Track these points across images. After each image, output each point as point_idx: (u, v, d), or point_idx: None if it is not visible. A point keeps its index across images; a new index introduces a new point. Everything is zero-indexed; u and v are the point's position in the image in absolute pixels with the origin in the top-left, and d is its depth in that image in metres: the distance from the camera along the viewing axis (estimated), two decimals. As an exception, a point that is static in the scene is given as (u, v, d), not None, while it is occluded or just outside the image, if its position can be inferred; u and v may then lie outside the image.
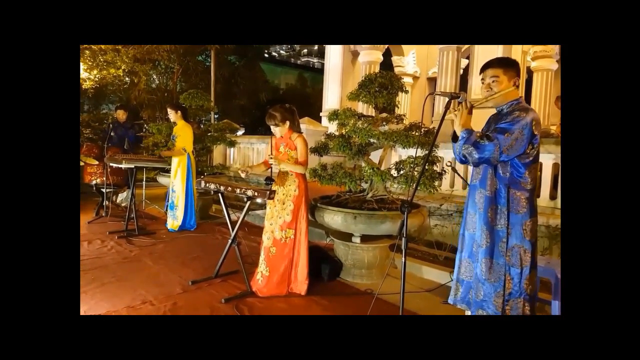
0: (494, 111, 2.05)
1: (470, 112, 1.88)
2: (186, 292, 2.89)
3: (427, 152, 3.12)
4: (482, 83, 1.97)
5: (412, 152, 3.23)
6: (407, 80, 10.51)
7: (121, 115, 5.74)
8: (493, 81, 1.91)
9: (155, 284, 3.03)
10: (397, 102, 3.26)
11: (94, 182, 5.22)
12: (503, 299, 1.88)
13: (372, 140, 3.13)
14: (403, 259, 1.78)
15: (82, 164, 5.29)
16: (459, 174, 3.40)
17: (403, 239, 1.76)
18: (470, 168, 2.10)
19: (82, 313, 2.46)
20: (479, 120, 2.08)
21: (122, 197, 6.03)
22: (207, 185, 3.07)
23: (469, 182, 2.13)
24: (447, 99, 1.90)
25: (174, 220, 4.72)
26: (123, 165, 4.33)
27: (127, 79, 11.77)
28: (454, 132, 1.90)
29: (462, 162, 1.95)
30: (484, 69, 1.96)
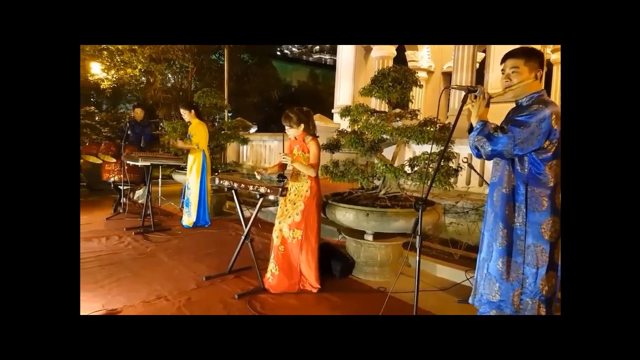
0: (513, 106, 1.97)
1: (487, 105, 1.82)
2: (200, 288, 2.90)
3: (442, 148, 3.05)
4: (502, 73, 1.89)
5: (426, 148, 3.16)
6: (421, 75, 10.34)
7: (138, 113, 5.81)
8: (513, 72, 1.83)
9: (170, 279, 3.05)
10: (411, 97, 3.19)
11: (112, 179, 5.31)
12: (521, 299, 1.81)
13: (385, 136, 3.08)
14: (417, 257, 1.73)
15: (100, 161, 5.40)
16: (475, 171, 3.31)
17: (418, 237, 1.71)
18: (488, 165, 2.04)
19: (99, 307, 2.50)
20: (499, 116, 2.00)
21: (139, 194, 6.12)
22: (221, 182, 3.08)
23: (486, 178, 2.07)
24: (463, 93, 1.84)
25: (189, 216, 4.77)
26: (139, 163, 4.38)
27: (143, 78, 11.95)
28: (470, 124, 1.84)
29: (477, 155, 1.89)
30: (505, 58, 1.88)
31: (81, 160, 7.37)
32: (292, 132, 2.89)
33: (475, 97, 1.83)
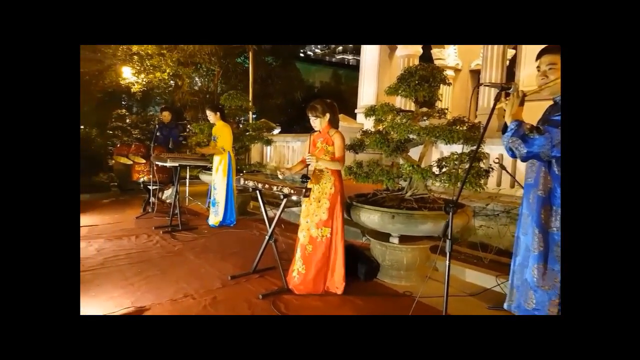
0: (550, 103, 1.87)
1: (522, 103, 1.74)
2: (225, 287, 2.92)
3: (471, 148, 2.95)
4: (538, 70, 1.80)
5: (455, 148, 3.06)
6: (448, 73, 10.09)
7: (166, 116, 5.96)
8: (550, 68, 1.74)
9: (197, 277, 3.09)
10: (439, 96, 3.10)
11: (142, 179, 5.47)
12: (559, 308, 1.71)
13: (411, 136, 3.00)
14: (447, 261, 1.67)
15: (130, 162, 5.57)
16: (507, 171, 3.18)
17: (448, 240, 1.64)
18: (520, 165, 1.95)
19: (129, 304, 2.55)
20: (534, 115, 1.91)
21: (167, 194, 6.27)
22: (246, 182, 3.10)
23: (518, 179, 1.98)
24: (495, 91, 1.76)
25: (216, 216, 4.84)
26: (168, 164, 4.49)
27: (171, 82, 12.26)
28: (505, 123, 1.76)
29: (511, 156, 1.81)
30: (540, 55, 1.79)
31: (112, 162, 7.67)
32: (318, 122, 2.87)
33: (509, 95, 1.75)
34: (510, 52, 8.59)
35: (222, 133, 4.74)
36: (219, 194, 4.81)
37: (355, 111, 9.85)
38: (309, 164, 2.86)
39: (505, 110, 1.76)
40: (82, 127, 9.83)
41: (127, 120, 9.75)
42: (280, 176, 2.97)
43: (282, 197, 2.84)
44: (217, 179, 4.82)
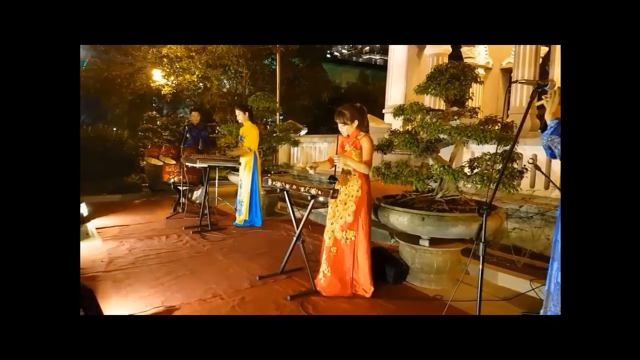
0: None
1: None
2: (253, 287, 2.96)
3: (503, 148, 2.85)
4: None
5: (486, 148, 2.98)
6: (479, 72, 9.85)
7: (195, 117, 6.12)
8: None
9: (225, 277, 3.14)
10: (470, 94, 3.01)
11: (172, 180, 5.61)
12: None
13: (442, 135, 2.94)
14: (480, 265, 1.63)
15: (161, 163, 5.74)
16: (542, 172, 3.05)
17: (481, 243, 1.59)
18: (555, 166, 1.89)
19: (159, 304, 2.62)
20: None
21: (197, 194, 6.44)
22: (273, 183, 3.13)
23: (553, 180, 1.91)
24: (530, 90, 1.70)
25: (239, 215, 4.94)
26: (197, 165, 4.60)
27: (200, 84, 12.56)
28: (544, 122, 1.69)
29: (550, 156, 1.75)
30: None
31: (144, 163, 7.94)
32: (346, 129, 2.85)
33: (544, 92, 1.70)
34: (543, 50, 8.26)
35: (249, 133, 4.81)
36: (243, 193, 4.89)
37: (383, 111, 9.77)
38: (336, 164, 2.85)
39: (538, 108, 1.70)
40: (114, 129, 10.25)
41: (158, 122, 10.08)
42: (310, 171, 2.97)
43: (309, 198, 2.85)
44: (243, 178, 4.90)
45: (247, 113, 4.88)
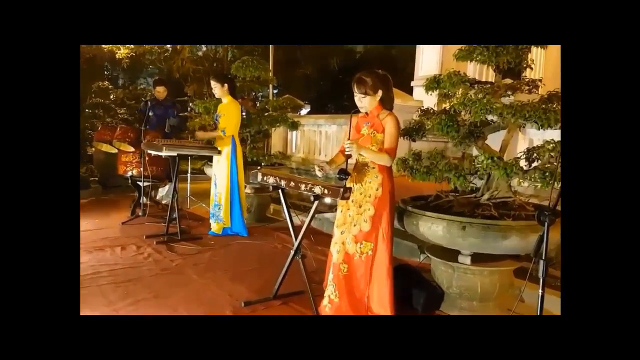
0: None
1: None
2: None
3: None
4: None
5: (550, 134, 2.99)
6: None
7: (161, 91, 6.15)
8: None
9: (200, 303, 3.19)
10: (529, 62, 3.01)
11: (130, 173, 5.56)
12: None
13: (490, 117, 2.95)
14: (540, 290, 1.66)
15: (115, 151, 5.67)
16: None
17: (541, 261, 1.62)
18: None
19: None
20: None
21: (163, 192, 6.48)
22: (265, 179, 3.14)
23: None
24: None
25: (216, 221, 4.96)
26: (163, 153, 4.51)
27: (168, 46, 12.61)
28: None
29: None
30: None
31: (92, 149, 7.97)
32: (367, 101, 2.84)
33: None
34: None
35: (228, 112, 4.80)
36: (220, 192, 4.90)
37: (412, 84, 9.79)
38: (349, 154, 2.83)
39: None
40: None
41: (111, 96, 10.17)
42: (318, 173, 2.97)
43: (312, 199, 2.87)
44: (218, 173, 4.93)
45: (226, 85, 4.84)
